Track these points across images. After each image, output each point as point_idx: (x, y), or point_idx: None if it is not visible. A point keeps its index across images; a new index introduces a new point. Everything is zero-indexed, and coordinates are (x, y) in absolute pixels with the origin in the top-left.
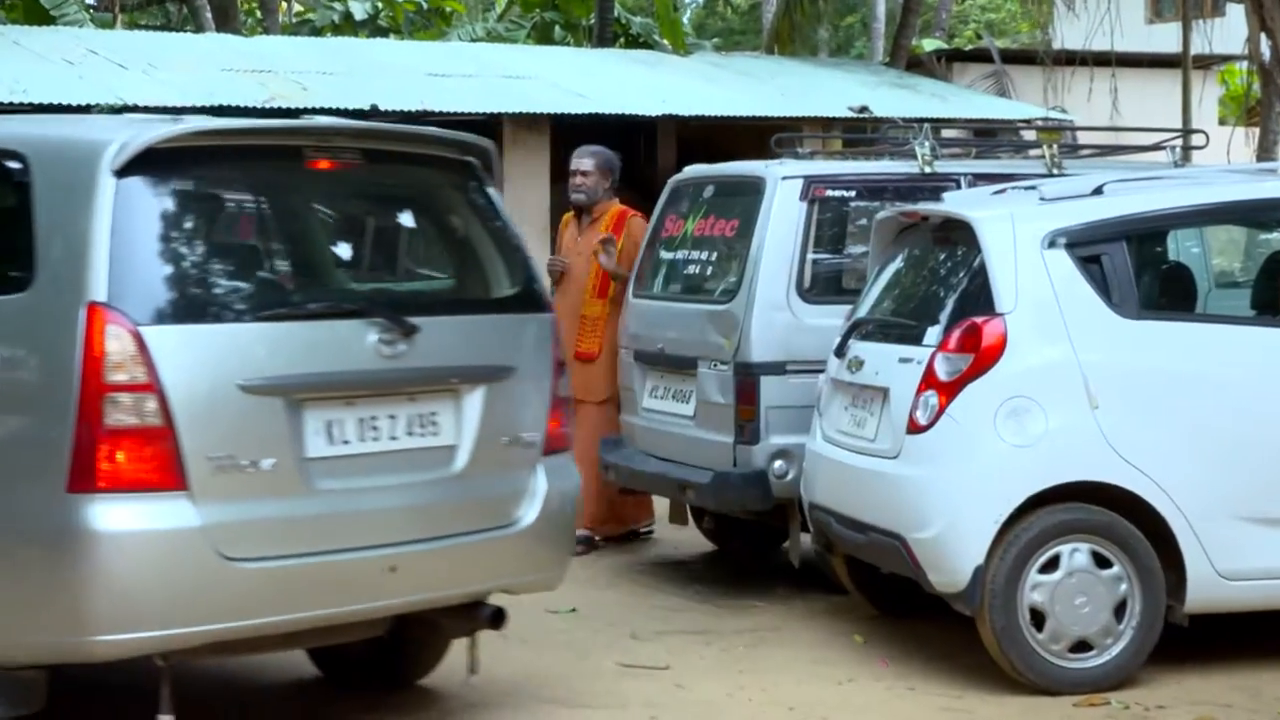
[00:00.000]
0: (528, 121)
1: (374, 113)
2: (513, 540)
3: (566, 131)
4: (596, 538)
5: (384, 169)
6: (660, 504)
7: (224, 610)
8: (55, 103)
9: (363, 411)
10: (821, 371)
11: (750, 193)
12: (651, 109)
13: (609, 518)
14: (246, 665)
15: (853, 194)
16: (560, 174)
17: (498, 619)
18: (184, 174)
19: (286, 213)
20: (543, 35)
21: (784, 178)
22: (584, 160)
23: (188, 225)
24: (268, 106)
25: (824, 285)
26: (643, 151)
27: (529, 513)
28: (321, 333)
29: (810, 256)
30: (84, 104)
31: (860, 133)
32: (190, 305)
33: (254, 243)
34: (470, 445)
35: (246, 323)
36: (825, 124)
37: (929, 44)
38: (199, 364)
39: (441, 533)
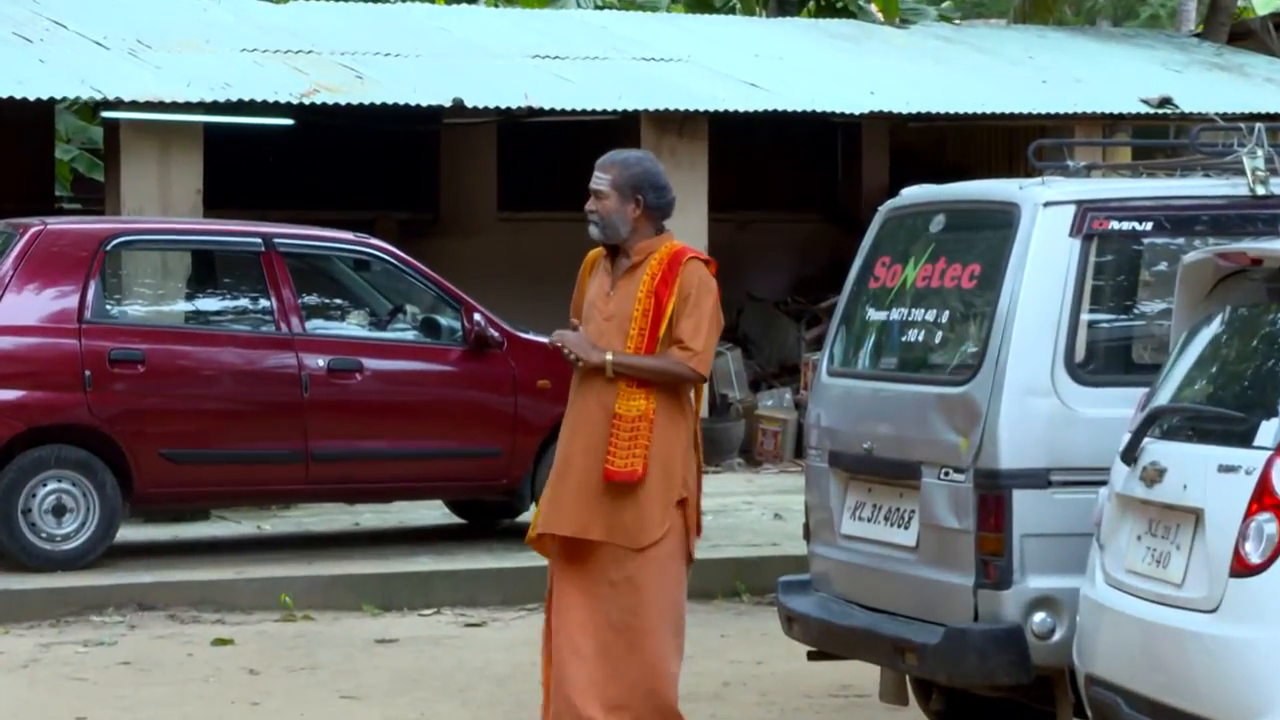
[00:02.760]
0: (676, 122)
1: (458, 109)
2: None
3: (731, 136)
4: None
5: None
6: (866, 672)
7: None
8: (5, 95)
9: None
10: (1103, 484)
11: (998, 225)
12: (854, 104)
13: None
14: None
15: (1148, 226)
16: (723, 194)
17: None
18: None
19: None
20: (698, 0)
21: (1047, 203)
22: (599, 175)
23: None
24: (306, 102)
25: (1106, 359)
26: (841, 165)
27: None
28: None
29: (1085, 317)
30: (45, 98)
31: (1160, 137)
32: None
33: None
34: None
35: None
36: (1107, 124)
37: (1263, 6)
38: None
39: None
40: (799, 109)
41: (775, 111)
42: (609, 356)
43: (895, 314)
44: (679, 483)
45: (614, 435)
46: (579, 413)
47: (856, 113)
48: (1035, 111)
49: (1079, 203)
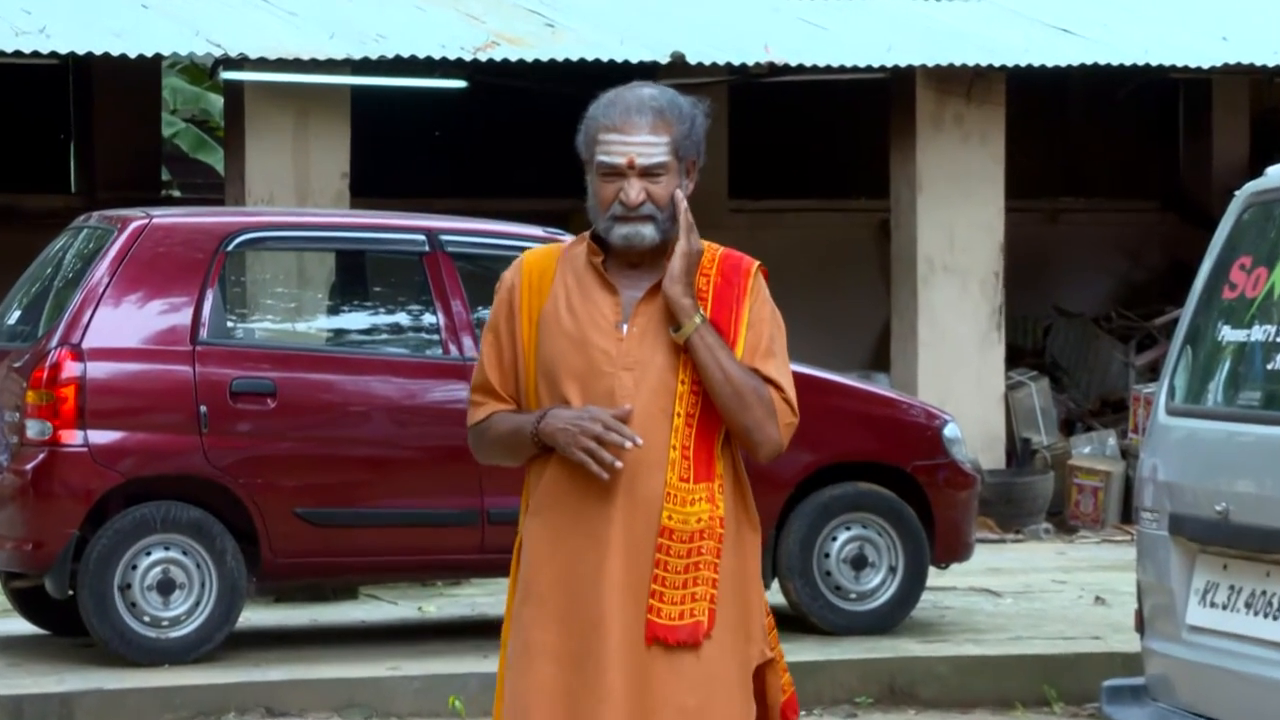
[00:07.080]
0: (964, 82)
1: (678, 66)
2: None
3: (1038, 99)
4: None
5: None
6: None
7: None
8: (100, 52)
9: None
10: None
11: None
12: (1201, 56)
13: None
14: None
15: None
16: (1026, 176)
17: None
18: None
19: None
20: None
21: None
22: (651, 140)
23: None
24: (483, 59)
25: None
26: (1183, 136)
27: None
28: None
29: None
30: (149, 55)
31: None
32: None
33: None
34: None
35: None
36: None
37: None
38: None
39: None
40: (1128, 62)
41: (1096, 65)
42: (697, 319)
43: (1259, 333)
44: (760, 636)
45: (660, 565)
46: (595, 528)
47: (1205, 66)
48: None
49: None
